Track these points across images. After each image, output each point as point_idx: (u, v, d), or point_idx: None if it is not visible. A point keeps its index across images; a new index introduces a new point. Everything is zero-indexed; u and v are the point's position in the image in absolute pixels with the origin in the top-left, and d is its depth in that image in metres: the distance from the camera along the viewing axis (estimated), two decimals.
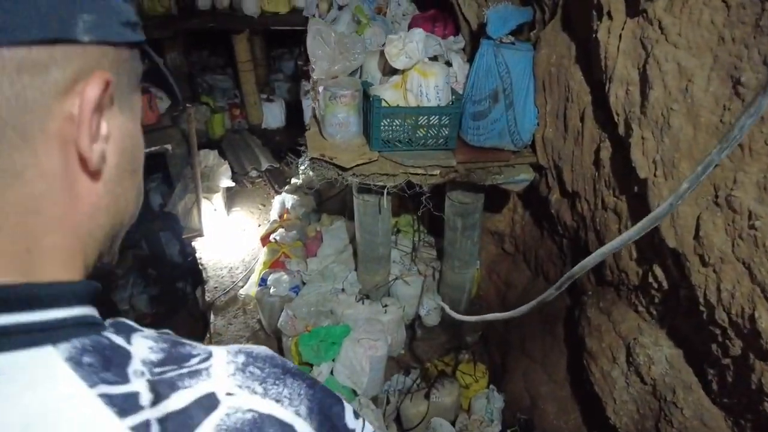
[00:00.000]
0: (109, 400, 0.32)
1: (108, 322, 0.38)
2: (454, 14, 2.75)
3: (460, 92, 2.43)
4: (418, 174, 2.35)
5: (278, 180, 5.38)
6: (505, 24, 2.17)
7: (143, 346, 0.37)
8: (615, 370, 2.13)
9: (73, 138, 0.36)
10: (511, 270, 3.62)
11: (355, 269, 3.34)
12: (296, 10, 5.48)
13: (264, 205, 5.06)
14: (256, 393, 0.38)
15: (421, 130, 2.37)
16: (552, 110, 2.32)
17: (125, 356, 0.35)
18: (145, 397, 0.34)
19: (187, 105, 3.93)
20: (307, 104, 6.34)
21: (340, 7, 3.01)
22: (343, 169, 2.31)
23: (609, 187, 2.01)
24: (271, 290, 3.12)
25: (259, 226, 4.69)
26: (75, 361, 0.32)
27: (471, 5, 2.57)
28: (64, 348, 0.33)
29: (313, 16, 3.16)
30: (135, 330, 0.38)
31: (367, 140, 2.44)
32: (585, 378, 2.41)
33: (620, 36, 1.66)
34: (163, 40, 5.77)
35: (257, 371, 0.40)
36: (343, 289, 3.16)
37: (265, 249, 3.59)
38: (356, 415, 0.45)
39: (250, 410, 0.37)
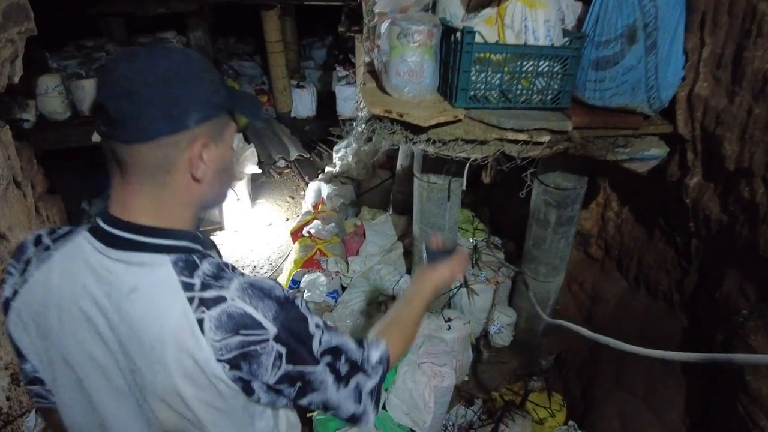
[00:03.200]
0: (182, 284, 0.70)
1: (199, 250, 0.76)
2: None
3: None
4: (519, 141, 1.69)
5: (308, 171, 4.79)
6: None
7: (207, 265, 0.73)
8: None
9: (190, 168, 0.72)
10: (600, 279, 2.92)
11: (407, 272, 2.69)
12: None
13: (293, 198, 4.46)
14: (246, 302, 0.70)
15: (525, 81, 1.72)
16: (712, 56, 1.65)
17: (197, 267, 0.72)
18: (197, 286, 0.70)
19: None
20: (340, 93, 5.81)
21: None
22: (416, 131, 1.67)
23: None
24: (305, 294, 2.50)
25: (287, 220, 4.09)
26: (174, 263, 0.71)
27: None
28: (172, 257, 0.72)
29: None
30: (208, 256, 0.75)
31: (445, 97, 1.80)
32: None
33: None
34: (187, 16, 5.24)
35: (251, 292, 0.72)
36: (393, 297, 2.51)
37: (296, 245, 2.97)
38: (317, 326, 0.78)
39: (239, 308, 0.70)
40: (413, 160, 3.21)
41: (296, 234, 3.09)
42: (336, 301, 2.53)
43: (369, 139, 1.83)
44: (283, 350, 0.71)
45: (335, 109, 5.60)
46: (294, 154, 5.05)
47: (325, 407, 0.81)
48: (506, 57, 1.64)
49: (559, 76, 1.71)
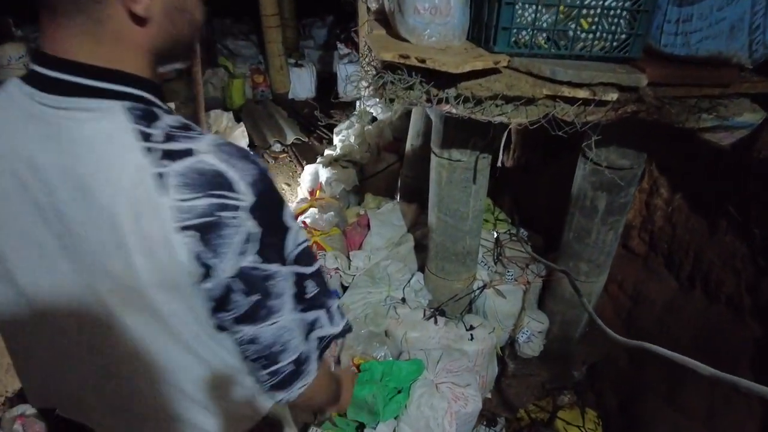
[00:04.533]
0: (138, 132, 0.57)
1: (159, 105, 0.63)
2: None
3: None
4: (577, 99, 1.27)
5: (306, 156, 4.37)
6: None
7: (171, 118, 0.60)
8: None
9: (124, 1, 0.56)
10: (644, 278, 2.50)
11: (420, 269, 2.28)
12: None
13: (289, 185, 4.04)
14: (220, 159, 0.57)
15: (585, 21, 1.29)
16: None
17: (158, 118, 0.59)
18: (159, 137, 0.57)
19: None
20: (342, 72, 5.40)
21: None
22: (442, 84, 1.25)
23: None
24: None
25: None
26: (128, 109, 0.58)
27: None
28: (126, 104, 0.58)
29: None
30: (172, 113, 0.63)
31: (478, 43, 1.38)
32: None
33: None
34: None
35: (228, 149, 0.59)
36: (403, 299, 2.10)
37: None
38: (293, 218, 0.65)
39: (211, 164, 0.57)
40: (425, 138, 2.79)
41: None
42: None
43: (373, 119, 1.40)
44: (256, 231, 0.59)
45: (336, 91, 5.17)
46: (291, 138, 4.62)
47: (261, 342, 0.66)
48: None
49: (628, 15, 1.29)
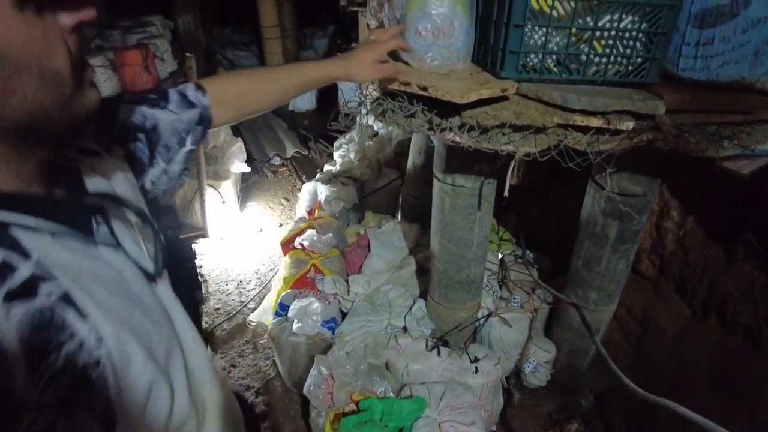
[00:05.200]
0: None
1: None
2: None
3: None
4: (590, 128, 1.18)
5: (306, 170, 4.28)
6: None
7: None
8: None
9: None
10: (654, 303, 2.41)
11: (422, 295, 2.19)
12: None
13: (288, 200, 3.96)
14: None
15: (598, 44, 1.20)
16: None
17: None
18: None
19: (187, 55, 2.84)
20: (343, 86, 5.31)
21: None
22: (445, 113, 1.16)
23: None
24: (295, 324, 1.99)
25: (281, 226, 3.58)
26: None
27: None
28: None
29: None
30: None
31: (483, 67, 1.29)
32: None
33: None
34: None
35: None
36: (405, 328, 2.00)
37: (286, 259, 2.46)
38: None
39: None
40: (427, 156, 2.71)
41: (287, 245, 2.58)
42: (333, 333, 2.02)
43: (374, 135, 1.32)
44: None
45: (338, 102, 5.09)
46: (291, 151, 4.55)
47: None
48: (575, 7, 1.13)
49: (645, 38, 1.20)
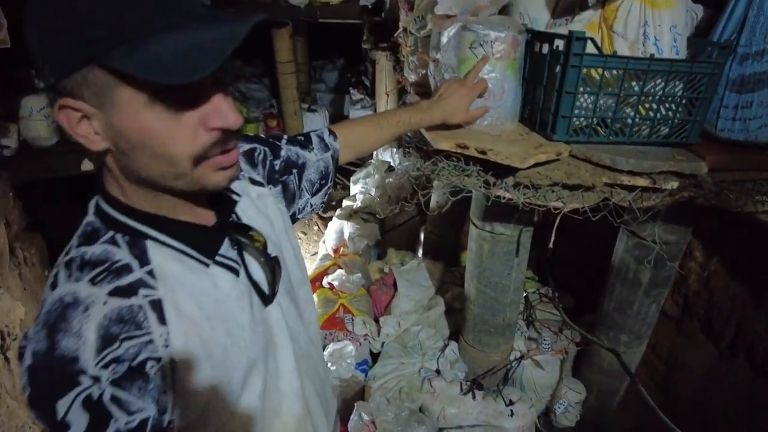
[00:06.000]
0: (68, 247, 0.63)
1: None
2: None
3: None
4: (636, 187, 1.24)
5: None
6: None
7: (100, 249, 0.61)
8: None
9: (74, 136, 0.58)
10: (679, 342, 2.44)
11: (451, 336, 2.21)
12: (350, 0, 4.52)
13: (305, 234, 3.99)
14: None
15: (643, 108, 1.27)
16: None
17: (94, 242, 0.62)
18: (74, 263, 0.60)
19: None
20: (355, 117, 5.42)
21: None
22: (501, 173, 1.22)
23: None
24: (330, 368, 2.01)
25: None
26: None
27: None
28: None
29: None
30: (116, 243, 0.62)
31: (530, 127, 1.36)
32: None
33: None
34: None
35: (44, 317, 0.57)
36: (438, 371, 2.02)
37: (314, 297, 2.49)
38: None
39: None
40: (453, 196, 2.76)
41: (313, 283, 2.61)
42: (366, 376, 2.04)
43: (425, 184, 1.38)
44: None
45: None
46: None
47: None
48: (623, 74, 1.20)
49: (688, 102, 1.27)
